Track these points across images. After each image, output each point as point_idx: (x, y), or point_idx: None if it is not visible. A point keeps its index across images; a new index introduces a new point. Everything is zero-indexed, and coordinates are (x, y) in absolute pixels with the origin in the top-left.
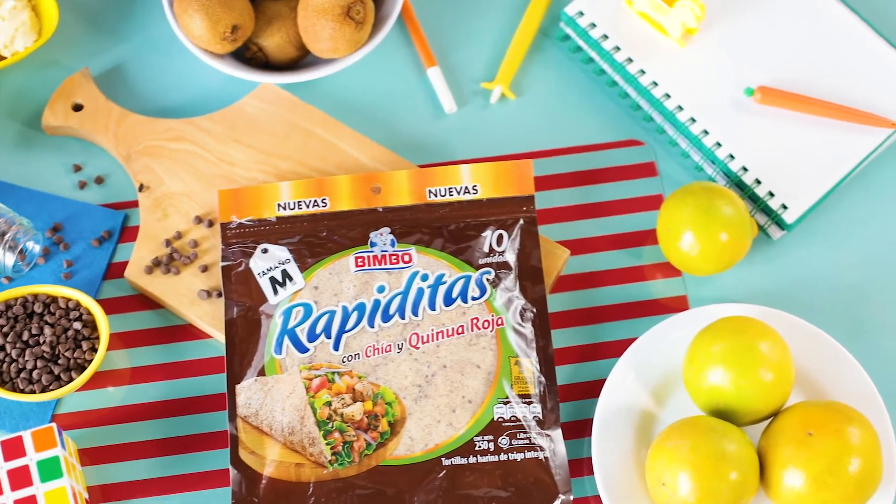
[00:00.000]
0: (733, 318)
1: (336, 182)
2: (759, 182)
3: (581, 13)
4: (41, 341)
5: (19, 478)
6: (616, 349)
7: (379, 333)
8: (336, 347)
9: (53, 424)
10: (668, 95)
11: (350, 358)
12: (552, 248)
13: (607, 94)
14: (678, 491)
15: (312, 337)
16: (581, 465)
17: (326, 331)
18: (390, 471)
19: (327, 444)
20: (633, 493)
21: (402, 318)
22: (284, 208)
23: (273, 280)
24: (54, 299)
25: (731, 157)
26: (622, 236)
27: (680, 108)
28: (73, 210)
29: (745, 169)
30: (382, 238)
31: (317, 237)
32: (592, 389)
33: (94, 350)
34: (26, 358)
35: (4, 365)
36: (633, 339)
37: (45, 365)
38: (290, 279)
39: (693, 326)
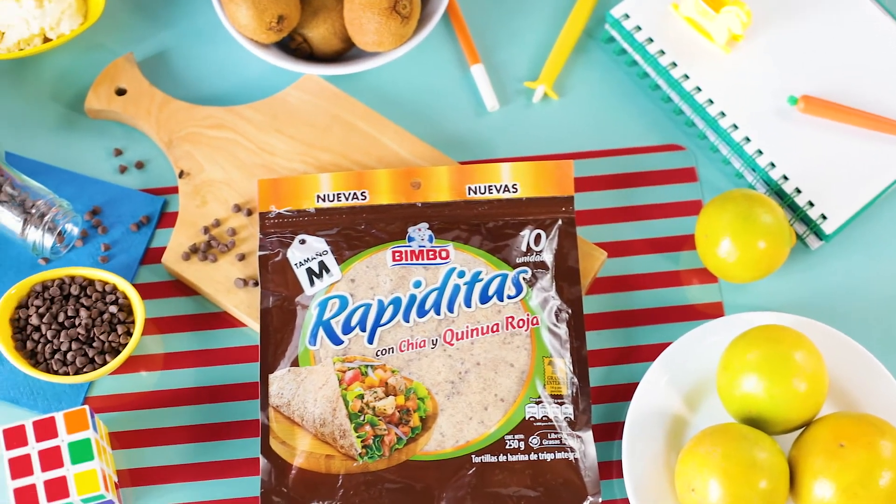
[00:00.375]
0: (769, 326)
1: (376, 175)
2: (799, 191)
3: (627, 16)
4: (77, 323)
5: (50, 458)
6: (650, 353)
7: (414, 328)
8: (370, 341)
9: (86, 407)
10: (710, 101)
11: (384, 352)
12: (590, 249)
13: (650, 98)
14: (708, 497)
15: (347, 329)
16: (610, 468)
17: (361, 324)
18: (420, 466)
19: (358, 437)
20: (661, 497)
21: (438, 313)
22: (323, 200)
23: (310, 271)
24: (91, 282)
25: (772, 165)
26: (660, 240)
27: (722, 114)
28: (112, 194)
29: (785, 177)
30: (420, 233)
31: (355, 230)
32: (625, 392)
33: (128, 334)
34: (61, 339)
35: (39, 346)
36: (667, 344)
37: (79, 347)
38: (327, 271)
39: (728, 333)
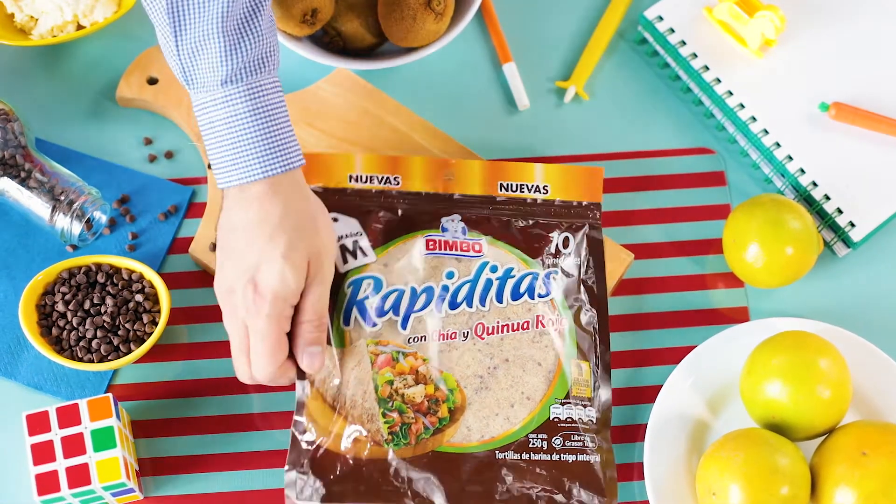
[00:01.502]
0: (794, 332)
1: (410, 162)
2: (828, 198)
3: (660, 18)
4: (102, 311)
5: (73, 445)
6: (674, 356)
7: (445, 319)
8: (403, 327)
9: (110, 394)
10: (742, 105)
11: (415, 339)
12: (616, 251)
13: (681, 101)
14: (728, 502)
15: (381, 313)
16: (632, 470)
17: (395, 309)
18: (444, 457)
19: (385, 422)
20: (682, 500)
21: (470, 306)
22: (357, 181)
23: (344, 248)
24: (118, 270)
25: (802, 171)
26: (687, 244)
27: (753, 118)
28: (141, 183)
29: (814, 184)
30: (454, 224)
31: (388, 215)
32: (648, 395)
33: (154, 323)
34: (86, 327)
35: (65, 332)
36: (691, 347)
37: (104, 335)
38: (362, 252)
39: (753, 338)
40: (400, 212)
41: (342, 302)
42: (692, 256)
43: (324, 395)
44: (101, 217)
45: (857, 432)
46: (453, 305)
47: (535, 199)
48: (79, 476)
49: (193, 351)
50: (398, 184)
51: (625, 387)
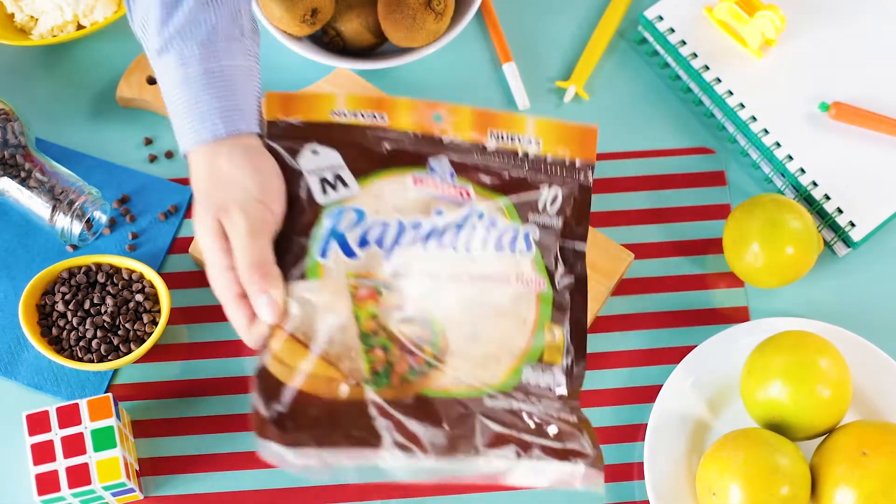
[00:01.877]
0: (794, 332)
1: (396, 102)
2: (828, 198)
3: (660, 17)
4: (102, 311)
5: (73, 445)
6: (674, 356)
7: (433, 258)
8: (387, 259)
9: (110, 394)
10: (742, 105)
11: (401, 275)
12: (616, 251)
13: (681, 100)
14: (729, 502)
15: (363, 243)
16: (632, 470)
17: (380, 241)
18: (428, 401)
19: (367, 360)
20: (682, 500)
21: (455, 250)
22: (339, 115)
23: (324, 181)
24: (118, 270)
25: (802, 171)
26: (687, 243)
27: (753, 118)
28: (141, 182)
29: (814, 184)
30: (442, 167)
31: (373, 149)
32: (648, 394)
33: (154, 323)
34: (86, 327)
35: (64, 332)
36: (690, 347)
37: (104, 335)
38: (343, 183)
39: (753, 338)
40: (386, 147)
41: (318, 234)
42: (692, 256)
43: (295, 335)
44: (101, 217)
45: (857, 432)
46: (440, 245)
47: (527, 153)
48: (79, 476)
49: (193, 351)
50: (385, 121)
51: (625, 387)
